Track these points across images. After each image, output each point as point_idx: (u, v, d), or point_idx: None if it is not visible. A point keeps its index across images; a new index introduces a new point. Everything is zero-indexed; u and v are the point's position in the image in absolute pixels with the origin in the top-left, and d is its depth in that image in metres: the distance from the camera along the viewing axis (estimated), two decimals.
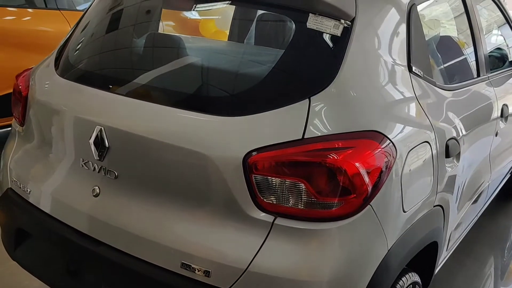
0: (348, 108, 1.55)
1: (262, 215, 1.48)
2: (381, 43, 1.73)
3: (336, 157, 1.44)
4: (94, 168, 1.74)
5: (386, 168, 1.53)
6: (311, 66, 1.61)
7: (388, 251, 1.58)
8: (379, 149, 1.52)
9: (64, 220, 1.82)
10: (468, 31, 2.50)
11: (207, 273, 1.51)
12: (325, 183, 1.45)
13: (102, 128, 1.69)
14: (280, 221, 1.47)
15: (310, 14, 1.63)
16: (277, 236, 1.47)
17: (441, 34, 2.54)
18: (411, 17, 1.86)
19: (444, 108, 2.00)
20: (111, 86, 1.80)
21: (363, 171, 1.46)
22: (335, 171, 1.44)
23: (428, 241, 1.87)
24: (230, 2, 1.87)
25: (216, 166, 1.49)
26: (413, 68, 1.82)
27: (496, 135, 2.69)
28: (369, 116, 1.57)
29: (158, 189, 1.63)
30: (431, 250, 1.98)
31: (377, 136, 1.54)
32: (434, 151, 1.80)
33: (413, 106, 1.76)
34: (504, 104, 2.75)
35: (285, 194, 1.46)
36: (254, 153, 1.46)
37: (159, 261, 1.59)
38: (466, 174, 2.30)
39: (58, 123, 1.89)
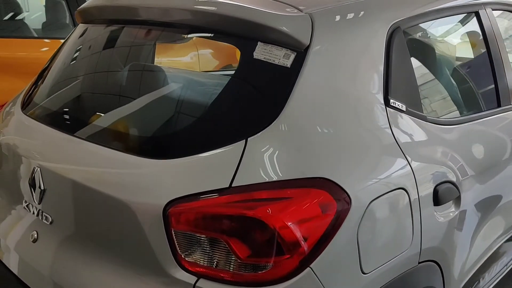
0: (290, 151, 1.32)
1: (183, 275, 1.27)
2: (344, 75, 1.49)
3: (263, 210, 1.21)
4: (33, 211, 1.62)
5: (334, 223, 1.28)
6: (252, 103, 1.41)
7: None
8: (324, 200, 1.28)
9: (7, 264, 1.70)
10: (485, 56, 2.17)
11: None
12: (250, 240, 1.22)
13: (38, 169, 1.57)
14: (202, 283, 1.26)
15: (259, 43, 1.43)
16: None
17: (444, 60, 2.23)
18: (392, 44, 1.61)
19: (437, 146, 1.71)
20: (55, 124, 1.69)
21: (298, 227, 1.23)
22: (262, 226, 1.21)
23: None
24: (163, 28, 1.69)
25: (137, 217, 1.31)
26: (391, 102, 1.56)
27: None
28: (317, 160, 1.33)
29: (85, 239, 1.48)
30: None
31: (324, 184, 1.30)
32: (414, 198, 1.52)
33: (384, 146, 1.50)
34: None
35: (207, 253, 1.25)
36: (174, 203, 1.26)
37: None
38: (479, 221, 1.98)
39: (8, 159, 1.80)
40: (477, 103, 2.16)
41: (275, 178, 1.28)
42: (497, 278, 2.42)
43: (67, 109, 1.75)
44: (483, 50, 2.16)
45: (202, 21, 1.55)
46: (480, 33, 2.15)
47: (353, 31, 1.55)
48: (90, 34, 1.94)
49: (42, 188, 1.56)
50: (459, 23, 2.24)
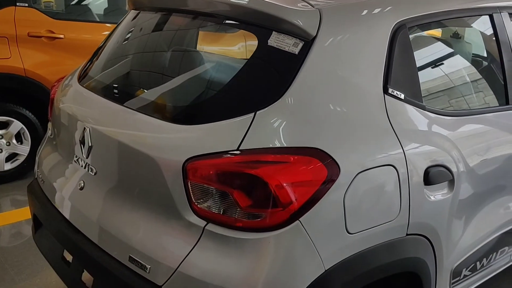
0: (291, 124, 1.57)
1: (195, 220, 1.56)
2: (347, 63, 1.72)
3: (262, 170, 1.47)
4: (82, 164, 1.95)
5: (323, 187, 1.52)
6: (262, 82, 1.66)
7: (325, 272, 1.56)
8: (316, 167, 1.52)
9: (59, 209, 2.04)
10: (495, 57, 2.33)
11: (147, 269, 1.62)
12: (249, 194, 1.49)
13: (88, 129, 1.89)
14: (210, 227, 1.54)
15: (274, 32, 1.69)
16: (207, 241, 1.54)
17: (450, 58, 2.39)
18: (396, 40, 1.82)
19: (434, 133, 1.91)
20: (105, 94, 2.01)
21: (291, 187, 1.48)
22: (260, 183, 1.47)
23: (396, 271, 1.80)
24: (194, 16, 1.98)
25: (162, 170, 1.60)
26: (390, 90, 1.78)
27: None
28: (312, 133, 1.58)
29: (121, 187, 1.79)
30: (411, 283, 1.89)
31: (317, 154, 1.54)
32: (403, 176, 1.73)
33: (379, 128, 1.72)
34: None
35: (215, 202, 1.53)
36: (191, 160, 1.54)
37: (114, 253, 1.74)
38: (477, 207, 2.15)
39: (65, 123, 2.14)
40: (481, 99, 2.32)
41: (276, 145, 1.54)
42: (500, 267, 2.57)
43: (115, 83, 2.06)
44: (493, 51, 2.31)
45: (231, 12, 1.83)
46: (491, 35, 2.30)
47: (358, 26, 1.78)
48: (139, 20, 2.25)
49: (89, 145, 1.88)
50: (468, 24, 2.40)
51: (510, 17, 2.40)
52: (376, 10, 1.84)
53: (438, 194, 1.89)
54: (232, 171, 1.49)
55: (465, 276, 2.25)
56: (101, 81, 2.11)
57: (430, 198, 1.85)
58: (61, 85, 2.37)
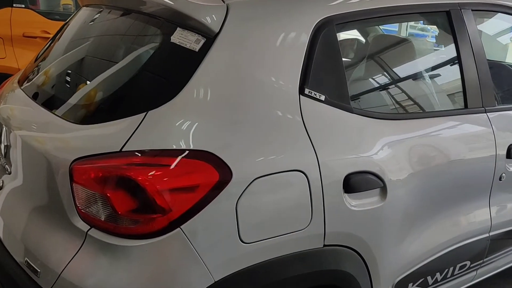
0: (182, 125, 1.49)
1: (80, 224, 1.49)
2: (254, 61, 1.61)
3: (139, 173, 1.39)
4: (1, 163, 1.92)
5: (210, 193, 1.43)
6: (158, 81, 1.59)
7: (215, 283, 1.47)
8: (203, 171, 1.43)
9: None
10: (452, 54, 2.16)
11: (38, 273, 1.57)
12: (126, 198, 1.41)
13: (5, 128, 1.87)
14: (93, 232, 1.47)
15: (178, 28, 1.61)
16: (89, 247, 1.47)
17: (389, 59, 2.24)
18: (319, 37, 1.70)
19: (361, 137, 1.78)
20: (31, 93, 1.97)
21: (170, 192, 1.39)
22: (136, 187, 1.39)
23: (313, 283, 1.68)
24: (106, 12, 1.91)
25: (52, 170, 1.55)
26: (307, 91, 1.66)
27: (500, 179, 2.27)
28: (204, 135, 1.48)
29: (26, 187, 1.74)
30: None
31: (205, 157, 1.45)
32: (315, 183, 1.61)
33: (288, 130, 1.60)
34: None
35: (96, 206, 1.46)
36: (77, 162, 1.48)
37: (17, 257, 1.69)
38: (424, 218, 2.00)
39: None
40: (425, 103, 2.16)
41: (162, 147, 1.45)
42: (464, 283, 2.39)
43: (39, 82, 2.01)
44: (449, 51, 2.15)
45: (143, 8, 1.77)
46: (447, 34, 2.14)
47: (272, 22, 1.67)
48: (78, 17, 2.21)
49: (6, 144, 1.85)
50: (418, 22, 2.24)
51: (474, 14, 2.23)
52: (297, 6, 1.73)
53: (364, 202, 1.75)
54: (109, 174, 1.42)
55: None
56: (31, 81, 2.08)
57: (352, 207, 1.72)
58: (7, 84, 2.36)
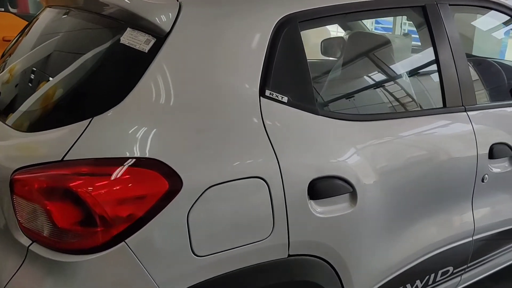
0: (128, 132, 1.39)
1: (23, 239, 1.40)
2: (210, 63, 1.51)
3: (79, 185, 1.30)
4: None
5: (158, 204, 1.33)
6: (105, 85, 1.49)
7: None
8: (149, 181, 1.34)
9: None
10: (428, 52, 2.06)
11: None
12: (67, 211, 1.31)
13: None
14: (35, 247, 1.37)
15: (128, 28, 1.51)
16: (31, 263, 1.38)
17: (357, 58, 2.14)
18: (280, 36, 1.61)
19: (329, 141, 1.68)
20: None
21: (112, 204, 1.30)
22: (77, 199, 1.29)
23: None
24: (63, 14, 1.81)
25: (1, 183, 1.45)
26: (268, 93, 1.57)
27: (483, 181, 2.17)
28: (152, 141, 1.38)
29: None
30: None
31: (152, 165, 1.35)
32: (276, 190, 1.51)
33: (247, 134, 1.51)
34: (500, 143, 2.21)
35: (37, 220, 1.36)
36: (17, 172, 1.39)
37: None
38: (400, 223, 1.91)
39: None
40: (398, 103, 2.06)
41: (105, 155, 1.35)
42: None
43: None
44: (425, 48, 2.05)
45: (94, 8, 1.68)
46: (422, 30, 2.05)
47: (230, 21, 1.57)
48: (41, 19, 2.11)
49: None
50: (390, 17, 2.14)
51: (452, 9, 2.13)
52: (256, 4, 1.63)
53: (332, 209, 1.66)
54: (48, 185, 1.32)
55: None
56: None
57: (319, 214, 1.62)
58: None
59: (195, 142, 1.43)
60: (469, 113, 2.12)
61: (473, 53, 3.59)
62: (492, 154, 2.16)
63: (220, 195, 1.42)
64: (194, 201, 1.38)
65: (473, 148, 2.09)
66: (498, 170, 2.21)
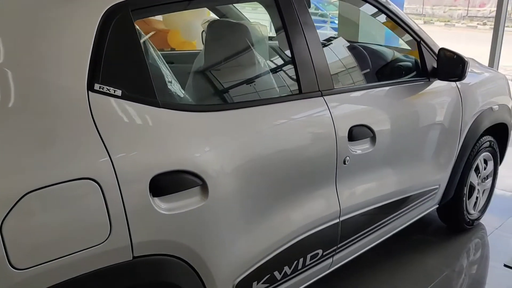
0: None
1: None
2: (28, 58, 1.39)
3: None
4: None
5: None
6: None
7: None
8: None
9: None
10: (282, 40, 2.06)
11: None
12: None
13: None
14: None
15: None
16: None
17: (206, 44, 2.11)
18: (109, 26, 1.51)
19: (170, 133, 1.61)
20: None
21: None
22: None
23: None
24: None
25: None
26: (98, 87, 1.46)
27: (345, 163, 2.21)
28: None
29: None
30: None
31: None
32: (111, 191, 1.42)
33: (73, 133, 1.40)
34: (359, 125, 2.25)
35: None
36: None
37: None
38: (258, 212, 1.89)
39: None
40: (250, 91, 2.05)
41: None
42: (321, 271, 2.32)
43: None
44: (278, 34, 2.04)
45: None
46: (274, 15, 2.03)
47: (49, 11, 1.45)
48: None
49: None
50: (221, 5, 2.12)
51: None
52: None
53: (180, 205, 1.59)
54: None
55: None
56: None
57: (164, 211, 1.55)
58: None
59: (14, 146, 1.30)
60: (326, 97, 2.14)
61: (359, 40, 3.69)
62: (352, 136, 2.21)
63: (41, 201, 1.31)
64: (8, 211, 1.25)
65: (331, 131, 2.12)
66: (359, 151, 2.26)
